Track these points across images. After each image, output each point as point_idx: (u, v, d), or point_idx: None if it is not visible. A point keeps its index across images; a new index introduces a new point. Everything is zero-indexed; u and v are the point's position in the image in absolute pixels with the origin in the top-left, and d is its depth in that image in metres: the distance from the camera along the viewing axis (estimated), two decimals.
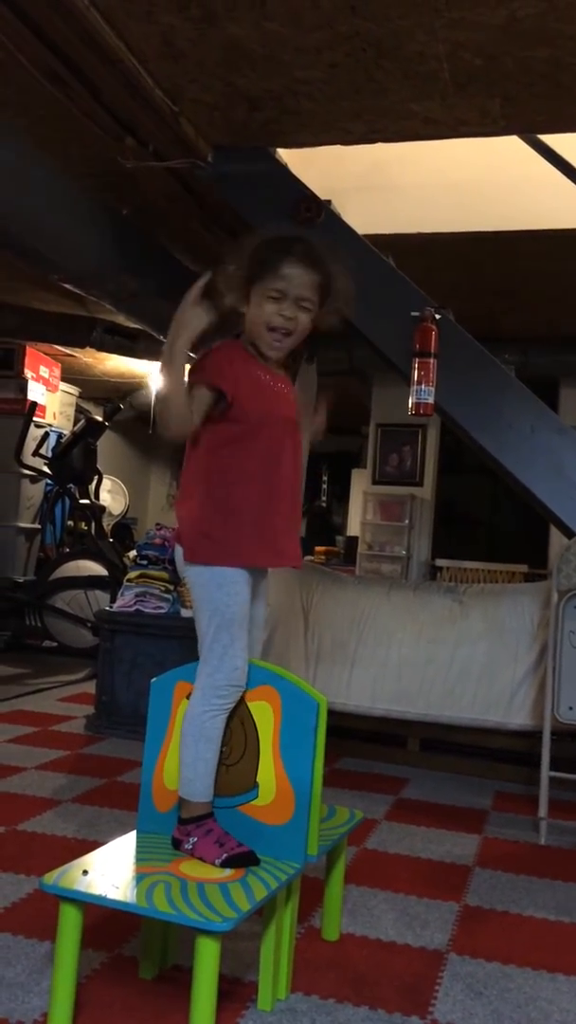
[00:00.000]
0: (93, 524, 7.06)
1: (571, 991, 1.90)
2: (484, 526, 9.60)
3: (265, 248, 1.84)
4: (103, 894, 1.55)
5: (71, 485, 7.00)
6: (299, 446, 1.96)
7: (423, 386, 3.61)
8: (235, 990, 1.78)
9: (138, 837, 1.84)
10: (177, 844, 1.79)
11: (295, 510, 1.95)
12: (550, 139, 3.88)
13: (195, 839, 1.77)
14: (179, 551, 1.89)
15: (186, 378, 1.82)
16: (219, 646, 1.81)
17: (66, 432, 7.48)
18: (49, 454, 6.97)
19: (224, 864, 1.71)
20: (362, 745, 3.89)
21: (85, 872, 1.63)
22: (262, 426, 1.85)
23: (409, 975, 1.91)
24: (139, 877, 1.65)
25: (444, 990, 1.86)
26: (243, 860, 1.72)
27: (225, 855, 1.72)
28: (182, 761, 1.81)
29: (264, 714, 1.82)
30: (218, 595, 1.82)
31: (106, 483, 8.61)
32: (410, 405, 3.71)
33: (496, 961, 2.01)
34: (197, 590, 1.86)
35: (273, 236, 1.89)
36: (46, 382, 7.55)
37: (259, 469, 1.85)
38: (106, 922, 1.99)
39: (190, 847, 1.76)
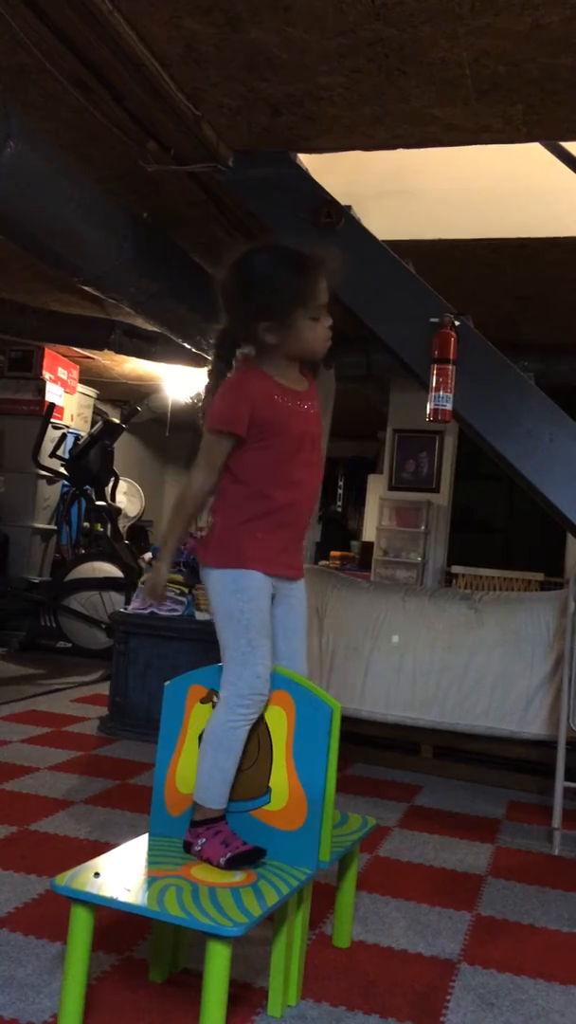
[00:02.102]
0: (109, 526, 7.08)
1: None
2: (500, 533, 9.57)
3: (283, 278, 1.84)
4: (115, 896, 1.55)
5: (87, 487, 7.03)
6: (317, 460, 1.97)
7: (441, 392, 3.60)
8: (245, 995, 1.78)
9: (150, 840, 1.84)
10: (188, 847, 1.79)
11: (306, 523, 1.97)
12: (573, 147, 3.87)
13: (204, 840, 1.77)
14: (200, 565, 1.94)
15: (208, 423, 1.87)
16: (238, 653, 1.81)
17: (83, 434, 7.51)
18: (66, 455, 7.00)
19: (228, 863, 1.71)
20: (375, 751, 3.88)
21: (97, 874, 1.63)
22: (279, 443, 1.87)
23: (420, 984, 1.90)
24: (151, 880, 1.65)
25: (455, 1000, 1.85)
26: (247, 858, 1.72)
27: (230, 854, 1.72)
28: (199, 768, 1.81)
29: (278, 719, 1.82)
30: (233, 600, 1.83)
31: (122, 485, 8.64)
32: (428, 411, 3.70)
33: (508, 972, 2.00)
34: (214, 597, 1.87)
35: (274, 261, 1.89)
36: (64, 384, 7.59)
37: (276, 484, 1.87)
38: (117, 924, 1.99)
39: (199, 849, 1.76)
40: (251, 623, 1.82)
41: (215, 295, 1.92)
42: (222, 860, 1.72)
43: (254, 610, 1.83)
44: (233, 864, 1.71)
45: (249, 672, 1.79)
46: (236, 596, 1.83)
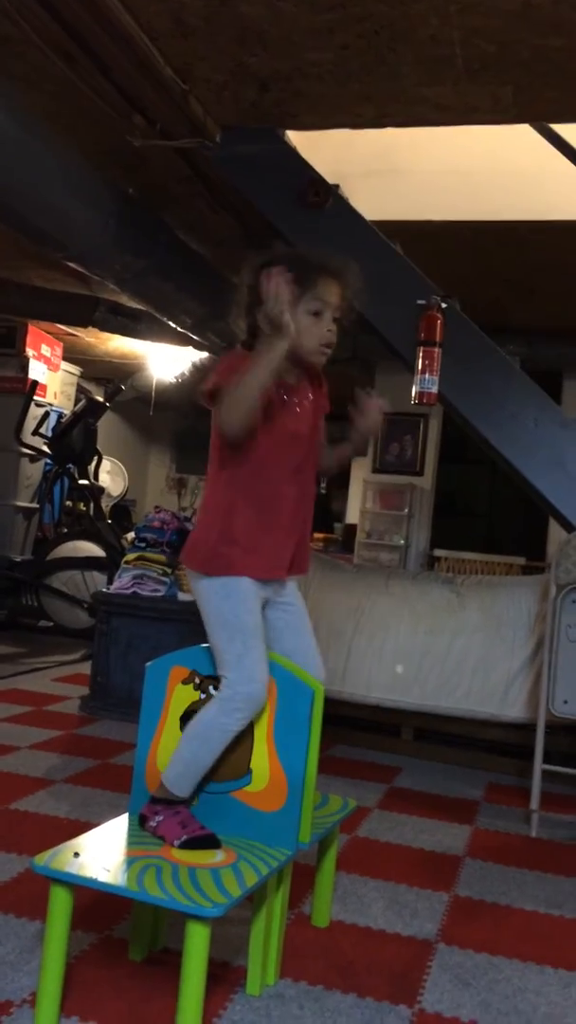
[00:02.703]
0: (92, 505, 7.05)
1: (559, 983, 1.90)
2: (483, 517, 9.60)
3: (298, 268, 1.84)
4: (94, 877, 1.55)
5: (70, 465, 6.98)
6: (310, 459, 1.96)
7: (427, 375, 3.60)
8: (224, 974, 1.79)
9: (130, 820, 1.84)
10: (143, 821, 1.79)
11: (301, 523, 1.95)
12: (562, 129, 3.85)
13: (161, 817, 1.77)
14: (187, 570, 1.92)
15: (209, 384, 1.81)
16: (233, 657, 1.79)
17: (66, 412, 7.46)
18: (49, 434, 6.95)
19: (183, 846, 1.71)
20: (356, 733, 3.90)
21: (76, 854, 1.62)
22: (265, 436, 1.84)
23: (398, 964, 1.92)
24: (130, 861, 1.65)
25: (432, 980, 1.86)
26: (203, 843, 1.72)
27: (185, 836, 1.72)
28: (177, 754, 1.80)
29: None
30: (225, 604, 1.82)
31: (105, 464, 8.59)
32: (413, 394, 3.69)
33: (484, 952, 2.02)
34: (205, 604, 1.85)
35: (287, 255, 1.92)
36: (47, 361, 7.52)
37: (261, 484, 1.85)
38: (96, 903, 2.00)
39: (154, 825, 1.76)
40: (244, 626, 1.81)
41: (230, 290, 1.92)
42: (176, 841, 1.72)
43: (246, 612, 1.82)
44: (187, 846, 1.71)
45: (244, 675, 1.77)
46: (227, 600, 1.82)
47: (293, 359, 1.88)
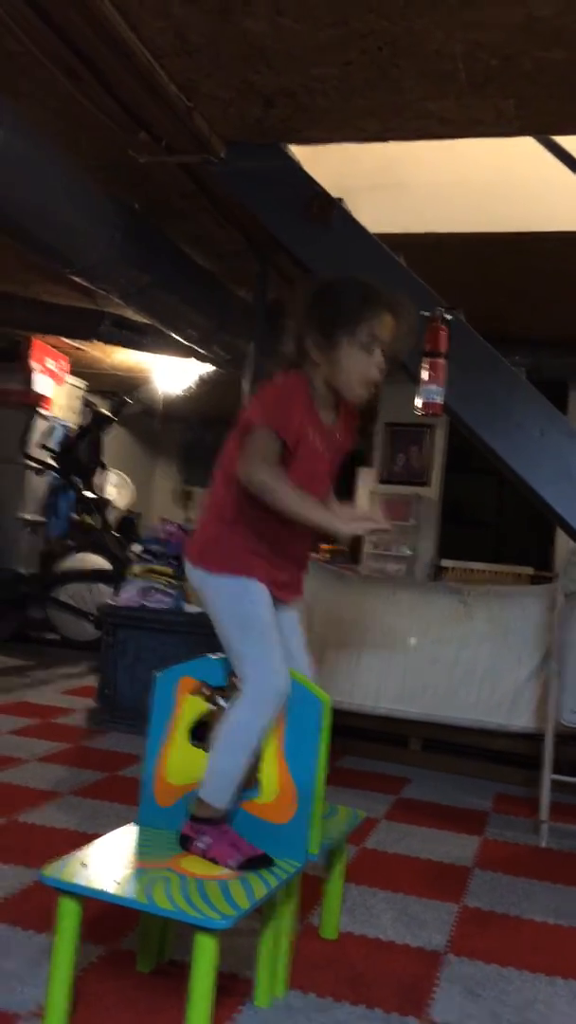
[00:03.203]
0: (98, 518, 7.06)
1: (569, 994, 1.89)
2: (490, 527, 9.58)
3: (350, 298, 1.82)
4: (103, 888, 1.55)
5: (76, 478, 7.00)
6: (327, 495, 1.94)
7: (433, 386, 3.60)
8: (232, 986, 1.78)
9: (139, 832, 1.84)
10: (186, 842, 1.76)
11: (307, 550, 1.97)
12: (565, 140, 3.87)
13: (210, 839, 1.74)
14: (194, 571, 1.88)
15: (257, 419, 1.79)
16: (250, 653, 1.78)
17: (72, 425, 7.48)
18: (55, 447, 6.98)
19: (240, 867, 1.68)
20: (364, 744, 3.89)
21: (84, 865, 1.63)
22: (299, 481, 1.80)
23: (407, 975, 1.91)
24: (139, 872, 1.65)
25: (441, 991, 1.86)
26: (258, 863, 1.70)
27: (241, 858, 1.70)
28: (216, 766, 1.78)
29: None
30: (241, 605, 1.81)
31: (111, 477, 8.62)
32: (419, 405, 3.70)
33: (494, 963, 2.01)
34: (217, 603, 1.83)
35: (346, 282, 1.88)
36: (53, 374, 7.55)
37: (274, 515, 1.81)
38: (104, 915, 1.99)
39: (203, 847, 1.74)
40: (261, 622, 1.80)
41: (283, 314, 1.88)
42: (232, 862, 1.69)
43: (263, 608, 1.81)
44: (245, 868, 1.68)
45: (268, 669, 1.76)
46: (244, 600, 1.81)
47: (334, 391, 1.85)
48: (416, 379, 3.68)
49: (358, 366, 1.82)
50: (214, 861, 1.71)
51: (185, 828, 1.78)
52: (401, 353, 1.89)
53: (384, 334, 1.82)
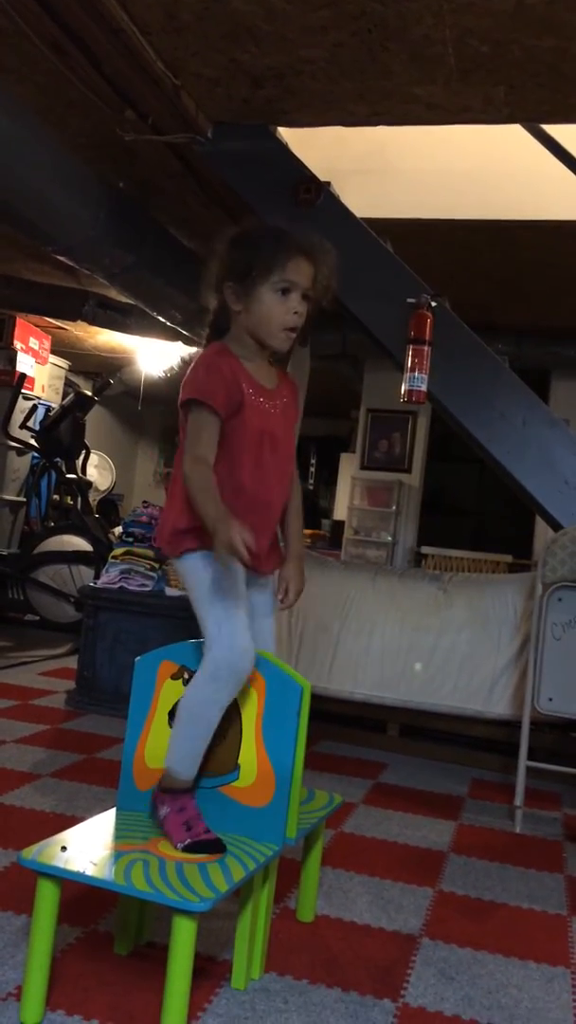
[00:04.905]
0: (79, 499, 7.03)
1: (541, 978, 1.92)
2: (470, 515, 9.63)
3: (263, 242, 1.81)
4: (81, 871, 1.56)
5: (58, 459, 6.97)
6: (277, 463, 1.89)
7: (416, 373, 3.61)
8: (209, 968, 1.79)
9: (117, 814, 1.85)
10: (154, 809, 1.79)
11: (270, 519, 1.91)
12: (552, 129, 3.86)
13: (167, 810, 1.76)
14: (173, 559, 1.87)
15: (183, 395, 1.79)
16: (214, 623, 1.76)
17: (54, 405, 7.44)
18: (37, 427, 6.93)
19: (186, 849, 1.69)
20: (342, 729, 3.91)
21: (63, 848, 1.63)
22: (233, 437, 1.80)
23: (382, 958, 1.93)
24: (117, 855, 1.65)
25: (416, 974, 1.88)
26: (207, 848, 1.69)
27: (189, 840, 1.71)
28: (172, 737, 1.80)
29: (248, 697, 1.82)
30: (205, 573, 1.79)
31: (93, 458, 8.58)
32: (402, 392, 3.70)
33: (468, 947, 2.04)
34: (191, 576, 1.82)
35: (260, 228, 1.88)
36: (36, 354, 7.50)
37: (233, 482, 1.80)
38: (82, 897, 2.00)
39: (162, 817, 1.76)
40: (228, 593, 1.78)
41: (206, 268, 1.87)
42: (180, 844, 1.70)
43: (231, 580, 1.78)
44: (191, 850, 1.69)
45: (226, 644, 1.74)
46: (208, 568, 1.79)
47: (256, 340, 1.84)
48: (401, 366, 3.68)
49: (274, 311, 1.80)
50: (168, 837, 1.73)
51: (154, 795, 1.81)
52: (323, 297, 1.86)
53: (299, 278, 1.80)
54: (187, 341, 6.38)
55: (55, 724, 3.72)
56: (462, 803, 3.22)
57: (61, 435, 6.86)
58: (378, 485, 7.54)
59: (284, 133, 3.92)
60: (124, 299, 5.82)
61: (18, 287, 6.34)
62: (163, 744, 1.85)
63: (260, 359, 1.88)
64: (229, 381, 1.80)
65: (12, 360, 7.07)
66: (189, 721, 1.78)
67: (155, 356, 7.91)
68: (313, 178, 3.80)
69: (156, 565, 4.22)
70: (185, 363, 7.54)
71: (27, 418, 6.92)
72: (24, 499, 7.18)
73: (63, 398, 7.57)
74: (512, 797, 3.04)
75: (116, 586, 4.16)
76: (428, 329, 3.65)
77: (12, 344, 7.12)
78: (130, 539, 4.31)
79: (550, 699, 3.06)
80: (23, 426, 6.87)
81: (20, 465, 7.13)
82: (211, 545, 1.72)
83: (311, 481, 11.52)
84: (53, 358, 7.95)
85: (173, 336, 6.26)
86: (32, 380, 7.30)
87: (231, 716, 1.82)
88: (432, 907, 2.25)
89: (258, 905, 1.76)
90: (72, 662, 4.76)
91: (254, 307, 1.81)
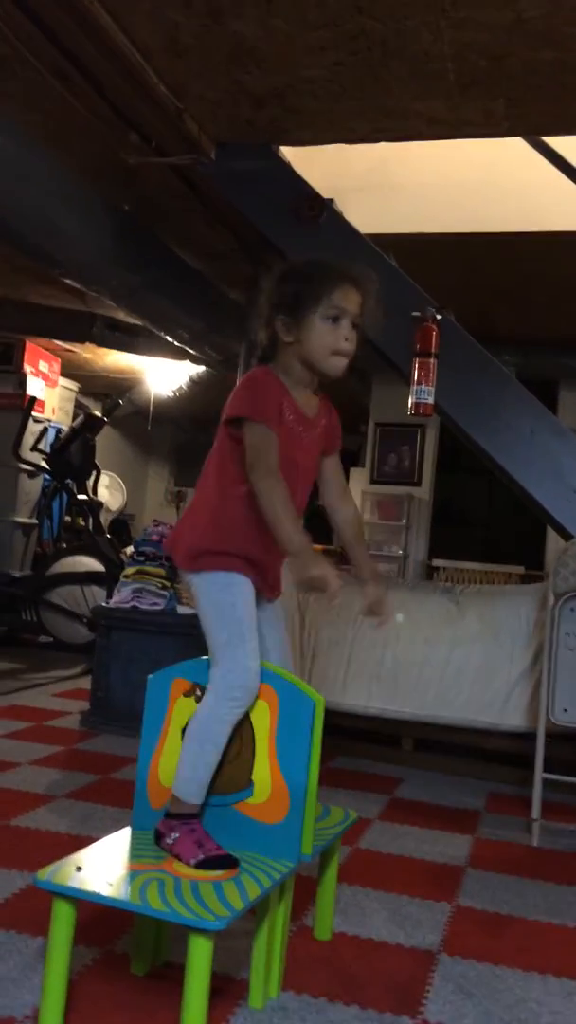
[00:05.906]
0: (91, 520, 7.06)
1: (561, 992, 1.90)
2: (481, 527, 9.61)
3: (310, 273, 1.86)
4: (97, 891, 1.55)
5: (69, 480, 7.00)
6: (304, 489, 1.96)
7: (423, 386, 3.62)
8: (226, 987, 1.78)
9: (132, 834, 1.84)
10: (159, 837, 1.78)
11: (279, 552, 1.95)
12: (553, 141, 3.88)
13: (177, 835, 1.76)
14: (184, 572, 1.90)
15: (232, 411, 1.83)
16: (226, 646, 1.79)
17: (64, 427, 7.48)
18: (47, 449, 6.97)
19: (199, 865, 1.69)
20: (356, 744, 3.90)
21: (79, 868, 1.62)
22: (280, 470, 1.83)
23: (400, 975, 1.92)
24: (133, 874, 1.65)
25: (435, 990, 1.86)
26: (220, 863, 1.70)
27: (202, 856, 1.71)
28: (181, 760, 1.81)
29: (261, 713, 1.82)
30: (222, 595, 1.83)
31: (104, 479, 8.61)
32: (410, 405, 3.71)
33: (487, 962, 2.02)
34: (202, 597, 1.85)
35: (306, 261, 1.93)
36: (45, 377, 7.55)
37: (254, 502, 1.82)
38: (99, 918, 1.99)
39: (171, 842, 1.76)
40: (240, 617, 1.81)
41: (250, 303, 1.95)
42: (193, 861, 1.70)
43: (243, 603, 1.83)
44: (204, 866, 1.69)
45: (239, 665, 1.78)
46: (226, 591, 1.83)
47: (310, 368, 1.88)
48: (407, 379, 3.69)
49: (326, 338, 1.85)
50: (178, 858, 1.72)
51: (160, 824, 1.80)
52: (369, 324, 1.92)
53: (349, 305, 1.85)
54: (195, 360, 6.41)
55: (70, 745, 3.72)
56: (479, 817, 3.19)
57: (72, 456, 6.90)
58: (388, 499, 7.54)
59: (286, 152, 3.96)
60: (132, 320, 5.86)
61: (26, 311, 6.40)
62: (176, 762, 1.84)
63: (305, 387, 1.92)
64: (275, 398, 1.85)
65: (22, 383, 7.13)
66: (198, 740, 1.79)
67: (164, 376, 7.96)
68: (316, 195, 3.83)
69: (168, 584, 4.23)
70: (194, 382, 7.58)
71: (38, 440, 6.96)
72: (36, 521, 7.21)
73: (73, 419, 7.61)
74: (529, 810, 3.02)
75: (128, 605, 4.16)
76: (434, 342, 3.66)
77: (22, 368, 7.17)
78: (142, 558, 4.32)
79: (565, 710, 3.04)
80: (35, 448, 6.91)
81: (31, 487, 7.16)
82: (230, 567, 1.81)
83: (317, 501, 11.51)
84: (63, 380, 8.01)
85: (181, 355, 6.30)
86: (42, 403, 7.34)
87: (244, 732, 1.82)
88: (450, 922, 2.23)
89: (275, 923, 1.76)
90: (86, 683, 4.76)
91: (305, 336, 1.85)
